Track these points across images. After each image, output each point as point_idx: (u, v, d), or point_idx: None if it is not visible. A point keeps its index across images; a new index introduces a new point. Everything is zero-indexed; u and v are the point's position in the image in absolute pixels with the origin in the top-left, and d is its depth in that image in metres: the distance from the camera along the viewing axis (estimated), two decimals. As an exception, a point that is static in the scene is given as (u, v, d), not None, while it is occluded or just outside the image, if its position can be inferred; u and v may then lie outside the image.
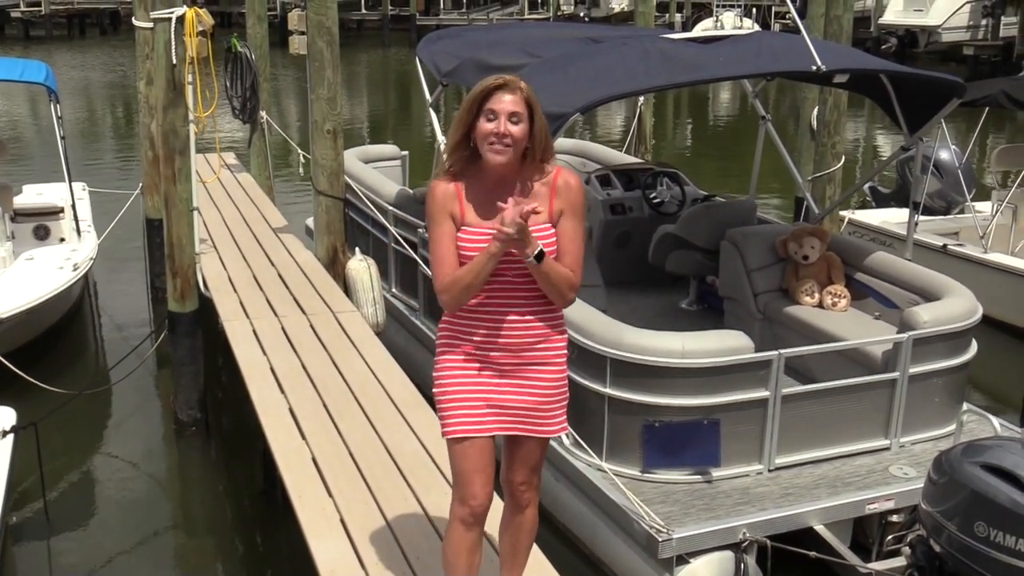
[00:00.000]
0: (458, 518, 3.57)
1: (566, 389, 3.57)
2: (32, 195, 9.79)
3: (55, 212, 9.30)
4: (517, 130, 3.28)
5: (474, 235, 3.36)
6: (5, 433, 5.60)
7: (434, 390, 3.54)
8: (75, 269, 8.26)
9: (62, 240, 9.17)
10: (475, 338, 3.44)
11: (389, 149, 9.70)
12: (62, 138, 8.87)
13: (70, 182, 9.04)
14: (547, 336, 3.46)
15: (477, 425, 3.46)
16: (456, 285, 3.34)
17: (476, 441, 3.47)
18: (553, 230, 3.39)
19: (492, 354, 3.44)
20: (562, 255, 3.39)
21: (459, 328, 3.46)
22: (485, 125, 3.29)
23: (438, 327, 3.55)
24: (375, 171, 8.57)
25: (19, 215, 9.16)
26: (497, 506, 3.76)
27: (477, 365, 3.46)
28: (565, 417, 3.58)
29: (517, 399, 3.47)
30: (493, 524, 3.91)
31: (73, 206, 9.12)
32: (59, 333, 8.61)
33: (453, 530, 3.60)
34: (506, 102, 3.27)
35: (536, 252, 3.26)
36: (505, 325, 3.41)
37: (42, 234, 9.22)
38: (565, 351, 3.54)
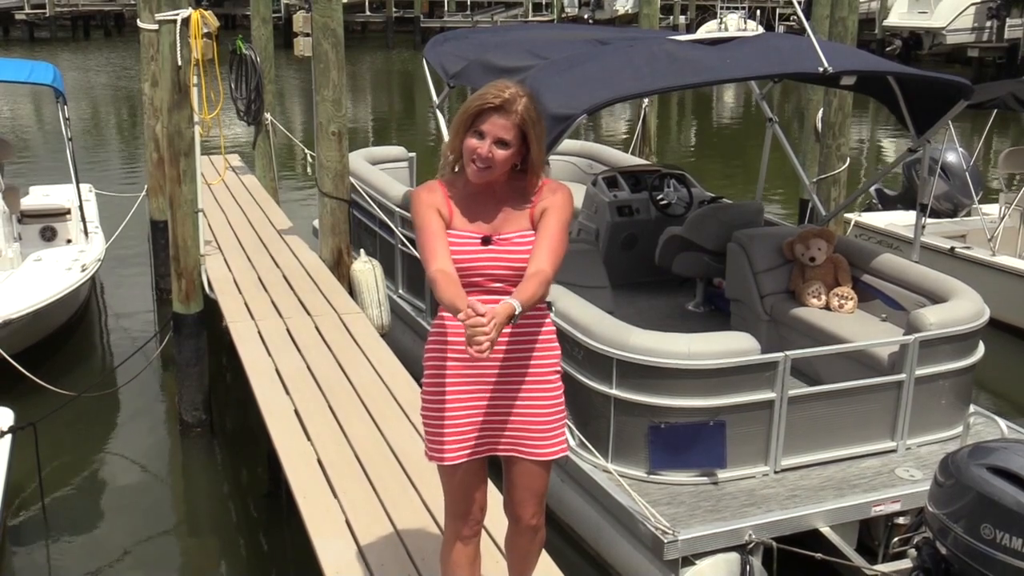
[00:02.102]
0: (453, 533, 3.50)
1: (562, 407, 3.43)
2: (39, 196, 9.81)
3: (62, 213, 9.32)
4: (501, 155, 3.17)
5: (457, 238, 3.25)
6: (2, 434, 5.60)
7: (421, 413, 3.42)
8: (83, 270, 8.28)
9: (69, 241, 9.19)
10: (462, 355, 3.28)
11: (396, 151, 9.71)
12: (69, 140, 8.89)
13: (77, 183, 9.06)
14: (537, 347, 3.34)
15: (464, 451, 3.34)
16: (440, 291, 3.10)
17: (466, 464, 3.37)
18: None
19: (481, 371, 3.29)
20: (535, 247, 3.21)
21: (446, 344, 3.33)
22: (471, 141, 3.18)
23: (425, 345, 3.42)
24: (382, 172, 8.58)
25: (26, 216, 9.18)
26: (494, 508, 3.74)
27: (466, 386, 3.31)
28: (565, 439, 3.44)
29: (510, 419, 3.34)
30: (491, 522, 3.90)
31: (80, 207, 9.13)
32: (67, 334, 8.62)
33: (450, 544, 3.52)
34: (496, 125, 3.15)
35: (514, 317, 3.00)
36: None
37: (49, 235, 9.24)
38: (558, 368, 3.41)
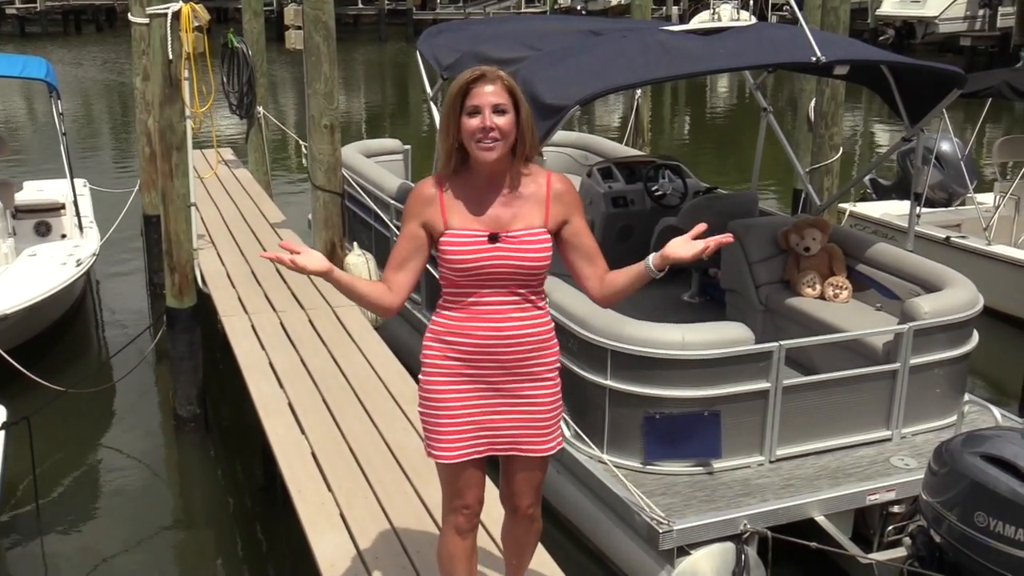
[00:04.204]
0: (452, 526, 3.48)
1: (560, 405, 3.42)
2: (33, 192, 9.77)
3: (56, 208, 9.30)
4: (503, 121, 3.11)
5: (459, 237, 3.20)
6: None
7: (419, 410, 3.39)
8: (78, 265, 8.24)
9: (63, 236, 9.16)
10: (462, 354, 3.26)
11: (391, 143, 9.69)
12: (63, 134, 8.86)
13: (71, 178, 9.02)
14: (538, 347, 3.30)
15: (464, 449, 3.32)
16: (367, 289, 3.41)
17: (465, 462, 3.35)
18: (549, 236, 3.25)
19: (480, 371, 3.27)
20: (590, 253, 3.39)
21: (445, 343, 3.29)
22: (470, 122, 3.12)
23: (423, 341, 3.38)
24: (376, 165, 8.55)
25: (20, 212, 9.15)
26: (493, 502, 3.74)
27: (465, 385, 3.29)
28: (561, 433, 3.44)
29: (508, 419, 3.31)
30: (488, 516, 3.90)
31: (75, 202, 9.11)
32: (61, 329, 8.59)
33: (448, 538, 3.50)
34: (487, 94, 3.11)
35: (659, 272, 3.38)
36: (492, 337, 3.24)
37: (43, 230, 9.22)
38: (557, 365, 3.39)
